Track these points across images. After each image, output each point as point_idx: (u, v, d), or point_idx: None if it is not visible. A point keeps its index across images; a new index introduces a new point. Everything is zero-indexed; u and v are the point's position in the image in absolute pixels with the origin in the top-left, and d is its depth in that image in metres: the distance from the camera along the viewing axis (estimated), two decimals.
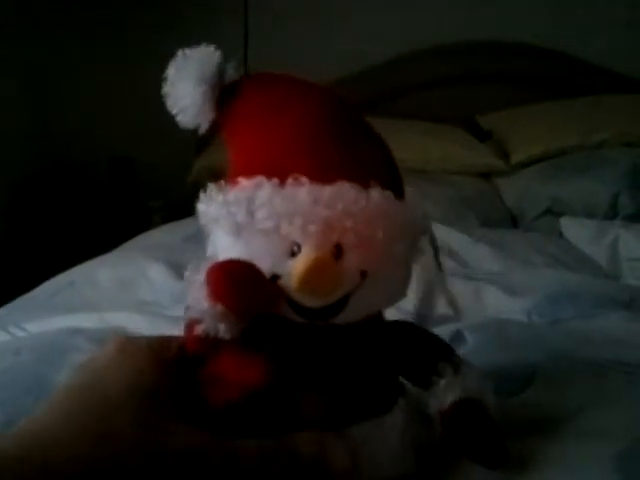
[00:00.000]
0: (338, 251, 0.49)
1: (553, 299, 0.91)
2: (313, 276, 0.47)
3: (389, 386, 0.55)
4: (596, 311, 0.85)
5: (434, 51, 2.05)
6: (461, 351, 0.71)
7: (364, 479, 0.50)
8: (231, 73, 0.55)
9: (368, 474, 0.51)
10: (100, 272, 1.08)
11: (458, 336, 0.73)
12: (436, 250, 1.18)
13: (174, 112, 0.54)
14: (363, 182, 0.50)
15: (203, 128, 0.55)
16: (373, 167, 0.53)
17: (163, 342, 0.54)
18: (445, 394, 0.53)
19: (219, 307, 0.47)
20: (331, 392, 0.51)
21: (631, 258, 1.32)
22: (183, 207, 1.75)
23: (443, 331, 0.60)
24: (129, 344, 0.53)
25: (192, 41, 0.56)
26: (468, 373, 0.54)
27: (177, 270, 1.05)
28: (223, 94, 0.54)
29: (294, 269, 0.48)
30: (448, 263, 1.25)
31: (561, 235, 1.52)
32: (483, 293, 0.98)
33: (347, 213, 0.48)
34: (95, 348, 0.71)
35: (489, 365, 0.65)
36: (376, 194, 0.50)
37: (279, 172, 0.50)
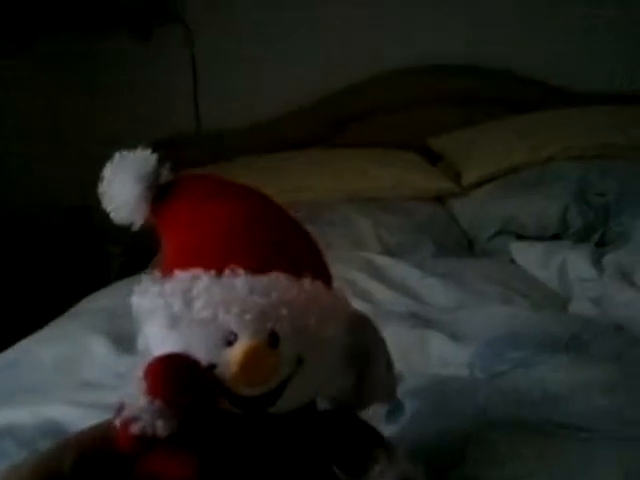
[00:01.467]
0: (274, 339, 0.50)
1: (495, 346, 0.91)
2: (250, 363, 0.49)
3: (323, 476, 0.55)
4: (537, 358, 0.85)
5: (384, 77, 2.06)
6: (399, 420, 0.71)
7: None
8: (166, 174, 0.58)
9: None
10: (41, 350, 1.06)
11: (397, 404, 0.73)
12: None
13: (109, 210, 0.58)
14: (295, 273, 0.52)
15: (137, 224, 0.58)
16: (303, 259, 0.56)
17: (54, 459, 0.53)
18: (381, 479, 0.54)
19: (158, 402, 0.48)
20: None
21: (580, 278, 1.34)
22: (142, 251, 1.73)
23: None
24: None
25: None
26: (402, 457, 0.55)
27: (119, 342, 1.03)
28: (159, 194, 0.57)
29: (231, 357, 0.49)
30: (400, 300, 1.25)
31: (513, 261, 1.53)
32: (428, 342, 0.98)
33: (281, 301, 0.50)
34: (23, 452, 0.70)
35: (426, 434, 0.66)
36: (307, 283, 0.52)
37: (215, 264, 0.52)
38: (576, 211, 1.64)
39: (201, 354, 0.50)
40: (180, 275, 0.52)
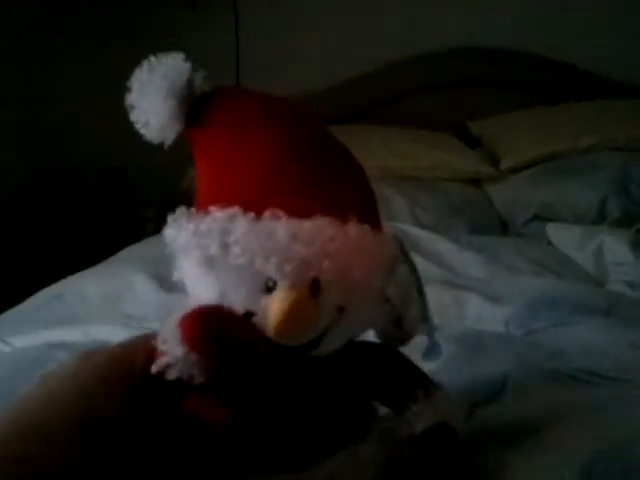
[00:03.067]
0: (315, 288, 0.47)
1: (531, 307, 0.91)
2: (291, 318, 0.46)
3: (362, 413, 0.55)
4: (574, 319, 0.86)
5: (425, 58, 2.06)
6: (436, 362, 0.72)
7: None
8: (200, 84, 0.52)
9: None
10: (87, 285, 1.09)
11: (434, 346, 0.73)
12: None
13: (138, 126, 0.52)
14: (341, 216, 0.48)
15: (169, 142, 0.53)
16: (351, 200, 0.51)
17: (130, 352, 0.52)
18: (416, 420, 0.52)
19: (193, 355, 0.46)
20: (305, 425, 0.51)
21: (616, 262, 1.33)
22: None
23: (421, 340, 0.60)
24: (88, 360, 0.51)
25: (185, 50, 0.53)
26: (441, 398, 0.54)
27: (163, 283, 1.06)
28: (192, 108, 0.51)
29: (270, 308, 0.46)
30: (434, 270, 1.26)
31: (549, 243, 1.53)
32: (464, 301, 0.99)
33: (325, 251, 0.47)
34: None
35: (462, 375, 0.66)
36: (353, 228, 0.48)
37: (254, 203, 0.48)
38: (615, 201, 1.63)
39: (238, 300, 0.47)
40: (216, 213, 0.48)
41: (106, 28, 2.13)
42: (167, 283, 1.05)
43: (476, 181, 1.86)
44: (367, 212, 0.52)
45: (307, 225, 0.47)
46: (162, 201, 2.15)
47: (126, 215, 2.15)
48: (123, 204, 2.18)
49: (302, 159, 0.50)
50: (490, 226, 1.71)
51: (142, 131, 0.52)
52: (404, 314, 0.54)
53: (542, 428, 0.58)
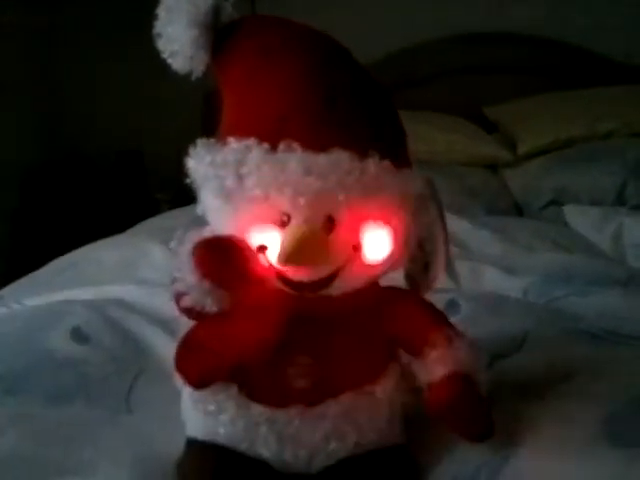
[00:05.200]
0: (329, 224, 0.46)
1: (549, 278, 0.90)
2: (301, 251, 0.45)
3: (380, 354, 0.54)
4: (592, 289, 0.84)
5: (440, 43, 2.05)
6: (455, 317, 0.70)
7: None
8: (228, 11, 0.50)
9: (357, 442, 0.50)
10: (103, 253, 1.10)
11: (453, 304, 0.73)
12: None
13: (165, 56, 0.50)
14: (360, 150, 0.46)
15: (197, 73, 0.51)
16: (372, 133, 0.49)
17: None
18: (435, 366, 0.50)
19: (206, 283, 0.46)
20: (322, 358, 0.50)
21: (635, 244, 1.31)
22: (192, 200, 1.76)
23: (438, 299, 0.58)
24: None
25: None
26: (461, 345, 0.52)
27: None
28: (219, 35, 0.50)
29: (282, 242, 0.46)
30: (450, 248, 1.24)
31: (566, 225, 1.51)
32: (481, 272, 0.97)
33: (340, 185, 0.45)
34: (91, 313, 0.73)
35: (482, 330, 0.65)
36: (372, 165, 0.46)
37: (270, 134, 0.46)
38: (634, 187, 1.60)
39: (252, 233, 0.47)
40: (232, 144, 0.47)
41: (123, 12, 2.14)
42: None
43: (492, 166, 1.84)
44: (391, 148, 0.49)
45: (322, 159, 0.45)
46: (177, 185, 2.18)
47: (141, 199, 2.17)
48: (138, 188, 2.20)
49: (322, 90, 0.48)
50: (506, 210, 1.69)
51: (169, 61, 0.50)
52: (430, 257, 0.52)
53: (561, 380, 0.57)
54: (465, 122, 1.95)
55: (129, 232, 1.31)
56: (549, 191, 1.67)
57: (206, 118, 2.10)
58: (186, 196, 2.15)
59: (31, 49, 2.11)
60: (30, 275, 1.10)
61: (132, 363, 0.67)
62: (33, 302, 0.89)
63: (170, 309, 0.76)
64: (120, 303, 0.78)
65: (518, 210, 1.71)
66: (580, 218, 1.47)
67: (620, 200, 1.60)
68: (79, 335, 0.69)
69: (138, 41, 2.10)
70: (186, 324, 0.54)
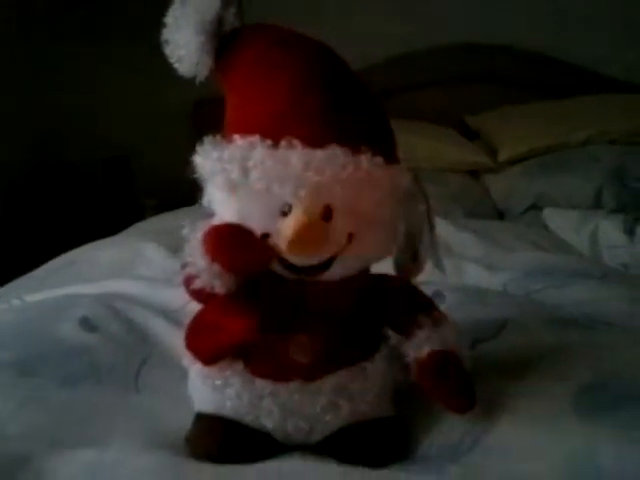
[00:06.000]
0: (327, 213, 0.51)
1: (528, 273, 0.95)
2: (302, 237, 0.49)
3: (372, 334, 0.59)
4: (569, 281, 0.90)
5: (423, 53, 2.11)
6: (440, 306, 0.75)
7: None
8: (231, 20, 0.55)
9: (350, 414, 0.55)
10: (98, 252, 1.13)
11: (438, 294, 0.77)
12: None
13: (172, 60, 0.55)
14: (354, 147, 0.51)
15: (201, 77, 0.55)
16: (365, 132, 0.53)
17: None
18: (423, 344, 0.55)
19: (215, 266, 0.50)
20: (318, 337, 0.55)
21: (611, 245, 1.37)
22: (177, 206, 1.80)
23: (424, 290, 0.62)
24: None
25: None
26: (446, 326, 0.57)
27: (174, 250, 1.09)
28: (222, 42, 0.54)
29: (284, 229, 0.50)
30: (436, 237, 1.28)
31: (545, 227, 1.57)
32: (464, 269, 1.02)
33: (336, 179, 0.50)
34: (97, 305, 0.76)
35: (465, 317, 0.69)
36: (365, 160, 0.51)
37: (272, 132, 0.51)
38: (611, 192, 1.67)
39: (256, 222, 0.51)
40: (238, 142, 0.51)
41: (107, 18, 2.17)
42: (177, 250, 1.08)
43: (473, 172, 1.90)
44: (382, 145, 0.54)
45: (320, 154, 0.50)
46: (163, 191, 2.21)
47: (127, 204, 2.18)
48: (125, 193, 2.21)
49: (319, 92, 0.52)
50: (487, 215, 1.74)
51: (175, 66, 0.55)
52: (418, 247, 0.57)
53: (540, 361, 0.62)
54: (447, 130, 2.02)
55: (122, 234, 1.35)
56: (529, 196, 1.73)
57: (195, 124, 2.15)
58: (171, 202, 2.17)
59: (17, 56, 2.12)
60: (27, 275, 1.13)
61: (138, 350, 0.70)
62: (34, 298, 0.92)
63: (171, 301, 0.81)
64: (122, 296, 0.82)
65: (499, 214, 1.77)
66: (559, 221, 1.53)
67: (597, 205, 1.67)
68: (87, 324, 0.72)
69: (125, 48, 2.16)
70: (189, 313, 0.58)
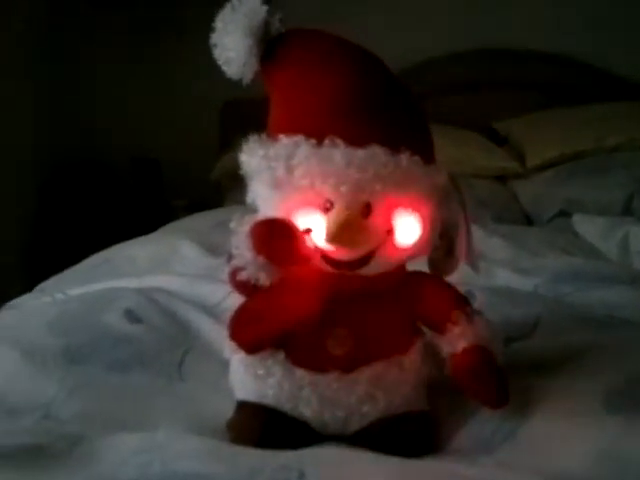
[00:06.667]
0: (367, 210, 0.53)
1: (558, 277, 0.96)
2: (343, 231, 0.52)
3: (408, 329, 0.61)
4: (599, 285, 0.90)
5: (452, 58, 2.12)
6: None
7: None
8: (277, 25, 0.57)
9: (386, 406, 0.57)
10: (135, 250, 1.16)
11: (469, 294, 0.78)
12: None
13: (220, 62, 0.57)
14: (394, 147, 0.53)
15: (247, 79, 0.58)
16: (405, 132, 0.56)
17: None
18: (457, 340, 0.57)
19: (261, 258, 0.53)
20: (357, 330, 0.57)
21: None
22: (207, 207, 1.83)
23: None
24: None
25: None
26: (480, 323, 0.58)
27: (208, 248, 1.12)
28: (268, 47, 0.57)
29: (326, 225, 0.53)
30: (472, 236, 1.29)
31: (574, 234, 1.57)
32: (493, 272, 1.03)
33: (377, 176, 0.52)
34: (139, 298, 0.79)
35: (497, 316, 0.71)
36: (405, 159, 0.53)
37: (316, 132, 0.53)
38: None
39: (300, 218, 0.54)
40: (283, 140, 0.54)
41: (140, 21, 2.20)
42: (211, 249, 1.12)
43: (501, 178, 1.91)
44: (420, 146, 0.56)
45: (361, 153, 0.52)
46: (192, 192, 2.24)
47: (158, 205, 2.21)
48: (155, 195, 2.24)
49: (361, 94, 0.55)
50: (515, 221, 1.74)
51: (224, 68, 0.58)
52: (454, 245, 0.59)
53: (572, 360, 0.63)
54: (475, 135, 2.02)
55: (158, 232, 1.38)
56: (558, 202, 1.72)
57: (224, 127, 2.18)
58: (201, 203, 2.20)
59: (50, 56, 2.16)
60: (67, 271, 1.17)
61: (181, 340, 0.74)
62: (76, 292, 0.96)
63: (209, 296, 0.84)
64: (163, 291, 0.85)
65: (527, 220, 1.77)
66: (588, 227, 1.52)
67: (627, 212, 1.66)
68: (132, 316, 0.76)
69: (156, 49, 2.20)
70: (228, 308, 0.61)
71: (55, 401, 0.60)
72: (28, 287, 1.10)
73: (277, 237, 0.53)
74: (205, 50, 0.58)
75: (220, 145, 2.13)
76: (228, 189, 1.86)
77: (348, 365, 0.57)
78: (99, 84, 2.28)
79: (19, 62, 2.01)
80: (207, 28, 0.58)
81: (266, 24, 0.57)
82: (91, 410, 0.59)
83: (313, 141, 0.53)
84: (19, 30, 2.00)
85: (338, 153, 0.52)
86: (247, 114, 1.89)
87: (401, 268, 0.60)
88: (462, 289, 0.80)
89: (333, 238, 0.52)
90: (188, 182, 2.21)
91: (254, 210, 0.58)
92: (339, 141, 0.53)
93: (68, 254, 1.90)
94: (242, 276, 0.54)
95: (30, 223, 2.12)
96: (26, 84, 2.04)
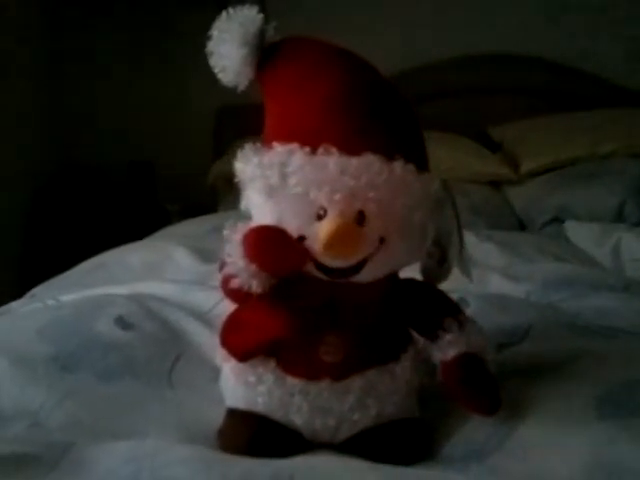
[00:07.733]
0: (360, 218, 0.53)
1: (550, 284, 0.96)
2: (336, 240, 0.52)
3: (400, 337, 0.61)
4: (591, 292, 0.91)
5: (446, 63, 2.13)
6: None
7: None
8: (271, 34, 0.58)
9: (377, 413, 0.57)
10: (129, 256, 1.16)
11: (461, 301, 0.79)
12: None
13: (216, 70, 0.58)
14: (388, 154, 0.53)
15: (242, 86, 0.59)
16: (399, 140, 0.56)
17: None
18: (449, 347, 0.57)
19: (253, 266, 0.53)
20: (348, 338, 0.57)
21: (634, 259, 1.37)
22: (201, 211, 1.83)
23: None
24: None
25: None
26: (471, 330, 0.59)
27: (201, 254, 1.12)
28: (263, 55, 0.57)
29: (320, 232, 0.52)
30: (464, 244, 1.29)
31: (567, 240, 1.57)
32: (487, 279, 1.03)
33: (370, 184, 0.52)
34: (131, 304, 0.79)
35: (489, 323, 0.71)
36: (399, 167, 0.53)
37: (311, 140, 0.53)
38: (633, 206, 1.67)
39: (293, 225, 0.54)
40: (278, 148, 0.54)
41: (138, 27, 2.22)
42: (205, 256, 1.11)
43: (495, 184, 1.91)
44: (414, 154, 0.56)
45: (355, 161, 0.53)
46: (187, 196, 2.24)
47: (152, 209, 2.20)
48: (149, 199, 2.24)
49: (355, 103, 0.55)
50: (508, 227, 1.75)
51: (219, 76, 0.58)
52: (447, 253, 0.59)
53: (563, 367, 0.63)
54: (469, 141, 2.03)
55: (151, 238, 1.38)
56: (551, 208, 1.73)
57: (218, 132, 2.19)
58: (195, 207, 2.19)
59: (45, 61, 2.16)
60: (59, 276, 1.16)
61: (172, 347, 0.73)
62: (68, 298, 0.95)
63: (201, 303, 0.83)
64: (155, 297, 0.85)
65: (520, 226, 1.78)
66: (580, 233, 1.53)
67: (619, 218, 1.67)
68: (123, 323, 0.75)
69: (153, 55, 2.20)
70: (220, 314, 0.61)
71: (44, 409, 0.60)
72: (21, 293, 1.10)
73: (270, 245, 0.53)
74: (201, 56, 0.58)
75: (214, 150, 2.13)
76: (223, 193, 1.86)
77: (340, 373, 0.57)
78: (97, 88, 2.28)
79: (18, 64, 2.00)
80: (204, 34, 0.58)
81: (261, 33, 0.57)
82: (80, 418, 0.59)
83: (307, 149, 0.53)
84: (19, 30, 2.00)
85: (332, 161, 0.52)
86: (241, 119, 1.91)
87: (393, 275, 0.60)
88: (454, 296, 0.80)
89: (326, 247, 0.52)
90: (182, 186, 2.21)
91: (248, 217, 0.58)
92: (333, 149, 0.53)
93: (62, 257, 1.91)
94: (234, 284, 0.54)
95: (24, 227, 2.11)
96: (22, 90, 2.04)
